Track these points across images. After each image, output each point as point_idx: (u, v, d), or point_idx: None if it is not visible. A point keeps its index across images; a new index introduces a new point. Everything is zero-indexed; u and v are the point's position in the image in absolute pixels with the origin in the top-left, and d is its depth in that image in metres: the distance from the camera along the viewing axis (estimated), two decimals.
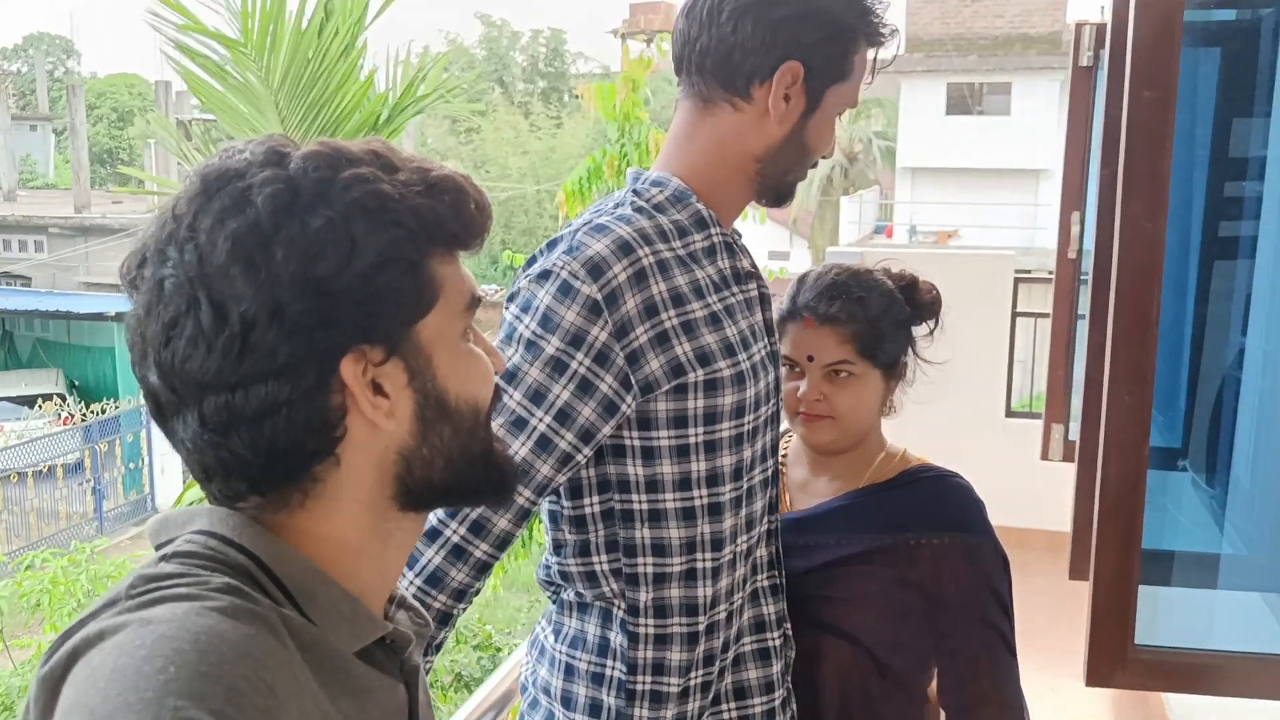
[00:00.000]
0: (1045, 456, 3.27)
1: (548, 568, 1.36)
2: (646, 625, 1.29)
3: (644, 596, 1.29)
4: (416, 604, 0.87)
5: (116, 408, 14.02)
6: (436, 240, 0.75)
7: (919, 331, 1.59)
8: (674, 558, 1.28)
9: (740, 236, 1.43)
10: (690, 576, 1.29)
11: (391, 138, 4.80)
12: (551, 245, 1.27)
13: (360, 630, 0.75)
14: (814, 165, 1.38)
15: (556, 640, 1.35)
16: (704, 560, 1.30)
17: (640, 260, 1.22)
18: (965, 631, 1.49)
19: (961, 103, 21.76)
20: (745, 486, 1.33)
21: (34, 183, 29.67)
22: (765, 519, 1.40)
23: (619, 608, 1.30)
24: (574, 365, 1.21)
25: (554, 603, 1.38)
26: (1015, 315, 5.22)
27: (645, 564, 1.28)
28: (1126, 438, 2.09)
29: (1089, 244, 3.19)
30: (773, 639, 1.41)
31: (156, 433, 13.87)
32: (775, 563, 1.43)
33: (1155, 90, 1.80)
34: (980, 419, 5.03)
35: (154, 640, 0.61)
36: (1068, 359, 3.21)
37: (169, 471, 13.93)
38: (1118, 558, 2.17)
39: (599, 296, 1.20)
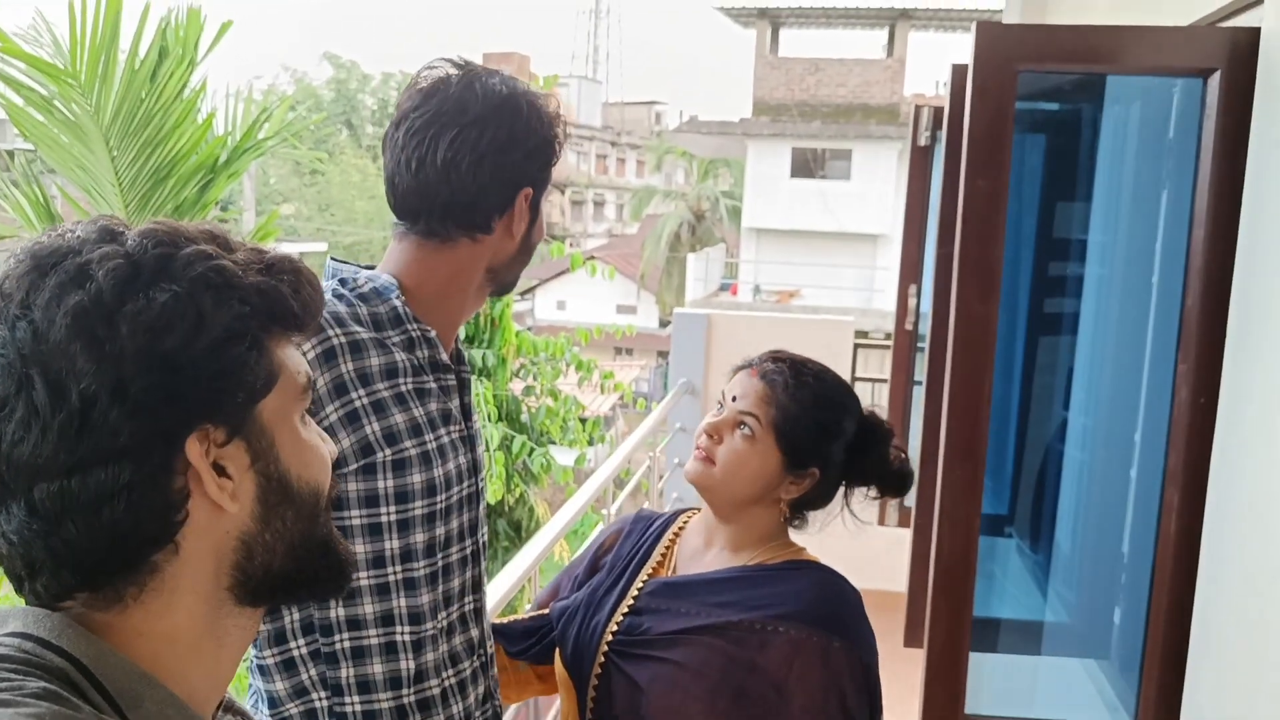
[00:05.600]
0: (882, 522, 3.34)
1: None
2: (353, 703, 1.29)
3: (345, 673, 1.29)
4: (245, 708, 0.84)
5: None
6: (276, 320, 0.73)
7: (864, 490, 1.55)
8: (369, 630, 1.29)
9: (457, 338, 1.47)
10: (390, 650, 1.30)
11: (230, 180, 4.62)
12: None
13: None
14: None
15: None
16: (403, 634, 1.31)
17: (330, 340, 1.25)
18: None
19: (805, 166, 22.53)
20: (441, 563, 1.35)
21: None
22: (469, 597, 1.42)
23: (321, 697, 1.29)
24: None
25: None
26: (854, 380, 5.37)
27: (342, 640, 1.29)
28: (959, 511, 2.15)
29: (925, 309, 3.30)
30: None
31: None
32: (481, 645, 1.46)
33: (989, 180, 1.87)
34: None
35: None
36: (904, 427, 3.30)
37: None
38: (949, 628, 2.22)
39: None
